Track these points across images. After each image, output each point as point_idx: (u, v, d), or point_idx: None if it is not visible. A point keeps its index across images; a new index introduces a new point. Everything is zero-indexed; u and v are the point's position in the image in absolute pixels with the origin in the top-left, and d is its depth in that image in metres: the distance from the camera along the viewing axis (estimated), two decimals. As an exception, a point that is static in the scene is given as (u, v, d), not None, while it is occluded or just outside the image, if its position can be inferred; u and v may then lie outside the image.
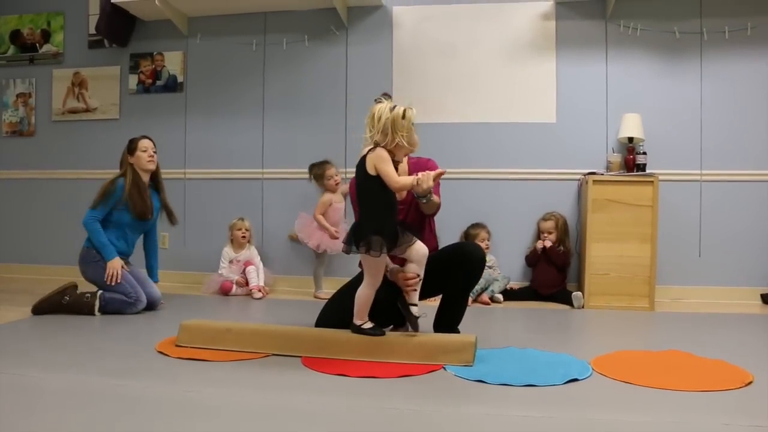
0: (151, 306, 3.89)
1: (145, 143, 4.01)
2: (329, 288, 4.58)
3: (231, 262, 4.76)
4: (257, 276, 4.68)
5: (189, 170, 5.29)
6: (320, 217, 4.61)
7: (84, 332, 3.27)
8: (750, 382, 2.28)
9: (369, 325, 2.65)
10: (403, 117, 2.50)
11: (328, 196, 4.65)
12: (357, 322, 2.65)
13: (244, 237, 4.82)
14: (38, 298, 3.74)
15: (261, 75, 5.17)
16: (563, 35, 4.75)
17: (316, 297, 4.57)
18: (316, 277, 4.71)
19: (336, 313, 2.91)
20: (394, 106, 2.51)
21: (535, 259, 4.60)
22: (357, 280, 3.06)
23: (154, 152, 4.05)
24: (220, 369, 2.51)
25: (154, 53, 5.35)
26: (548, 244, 4.53)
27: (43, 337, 3.13)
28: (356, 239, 2.55)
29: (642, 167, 4.37)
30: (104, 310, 3.70)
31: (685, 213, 4.57)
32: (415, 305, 2.63)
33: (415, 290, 2.64)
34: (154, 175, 4.11)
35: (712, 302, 4.41)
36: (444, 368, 2.48)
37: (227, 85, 5.23)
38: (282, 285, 5.01)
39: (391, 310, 2.88)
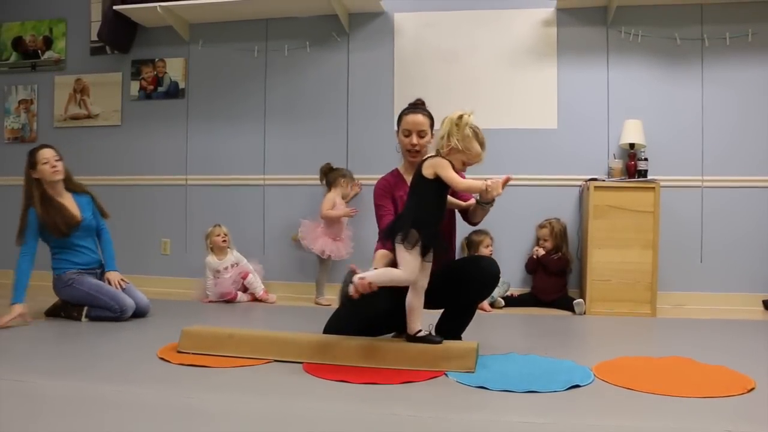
0: (140, 313, 3.80)
1: (44, 154, 3.69)
2: (331, 295, 4.58)
3: (218, 271, 4.63)
4: (257, 282, 4.66)
5: (190, 176, 5.30)
6: (330, 211, 4.55)
7: (85, 338, 3.27)
8: (752, 389, 2.27)
9: (423, 332, 2.64)
10: (459, 120, 2.51)
11: (332, 195, 4.63)
12: (410, 330, 2.65)
13: (224, 242, 4.69)
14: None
15: (263, 81, 5.19)
16: (564, 41, 4.76)
17: (317, 303, 4.57)
18: (319, 283, 4.69)
19: (342, 321, 2.92)
20: (464, 114, 2.54)
21: (533, 266, 4.60)
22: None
23: (57, 160, 3.74)
24: (221, 375, 2.51)
25: (156, 59, 5.37)
26: (541, 252, 4.53)
27: (44, 344, 3.13)
28: (395, 231, 2.56)
29: (643, 173, 4.37)
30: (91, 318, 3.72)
31: (687, 219, 4.57)
32: (420, 330, 2.65)
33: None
34: (68, 181, 3.84)
35: (713, 308, 4.40)
36: (446, 375, 2.47)
37: (229, 91, 5.25)
38: (284, 291, 5.00)
39: (392, 318, 2.89)
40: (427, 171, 2.55)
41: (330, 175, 4.71)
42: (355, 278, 2.58)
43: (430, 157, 2.59)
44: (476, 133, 2.53)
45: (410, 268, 2.55)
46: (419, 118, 2.91)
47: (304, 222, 4.73)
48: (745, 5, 4.53)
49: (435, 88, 4.82)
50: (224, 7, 4.98)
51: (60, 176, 3.75)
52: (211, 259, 4.67)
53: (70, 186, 3.86)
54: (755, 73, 4.52)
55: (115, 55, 5.45)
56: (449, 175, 2.52)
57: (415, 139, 2.91)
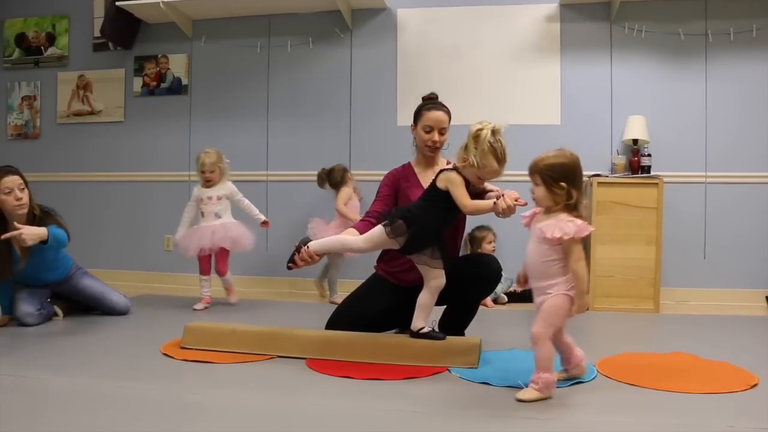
0: (118, 312, 3.77)
1: (7, 182, 3.23)
2: (343, 291, 4.56)
3: (201, 200, 4.17)
4: (231, 282, 4.27)
5: (193, 172, 5.26)
6: (344, 208, 4.42)
7: (88, 334, 3.28)
8: (755, 385, 2.28)
9: (426, 329, 2.64)
10: (477, 136, 2.45)
11: (348, 190, 4.52)
12: (414, 327, 2.65)
13: (209, 180, 4.17)
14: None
15: (265, 77, 5.18)
16: (568, 37, 4.74)
17: (332, 302, 4.36)
18: (331, 282, 4.57)
19: (345, 317, 2.92)
20: (482, 129, 2.47)
21: None
22: (368, 285, 3.08)
23: (22, 189, 3.28)
24: (224, 371, 2.52)
25: (159, 56, 5.37)
26: None
27: (48, 340, 3.14)
28: (388, 215, 2.59)
29: (647, 169, 4.36)
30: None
31: (690, 215, 4.56)
32: (423, 327, 2.64)
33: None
34: (30, 214, 3.33)
35: (716, 304, 4.40)
36: (449, 370, 2.48)
37: (232, 87, 5.24)
38: (287, 287, 5.01)
39: (394, 315, 2.89)
40: (441, 184, 2.55)
41: (333, 176, 4.58)
42: (304, 247, 2.66)
43: (448, 170, 2.56)
44: (494, 149, 2.45)
45: (373, 240, 2.60)
46: (441, 115, 2.92)
47: (313, 221, 4.55)
48: (749, 0, 4.51)
49: (438, 84, 4.78)
50: (227, 3, 4.98)
51: (24, 210, 3.29)
52: (198, 189, 4.25)
53: (32, 219, 3.34)
54: (759, 69, 4.50)
55: (117, 52, 5.45)
56: (458, 194, 2.50)
57: (436, 136, 2.91)
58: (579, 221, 2.11)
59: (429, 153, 2.96)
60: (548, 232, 2.13)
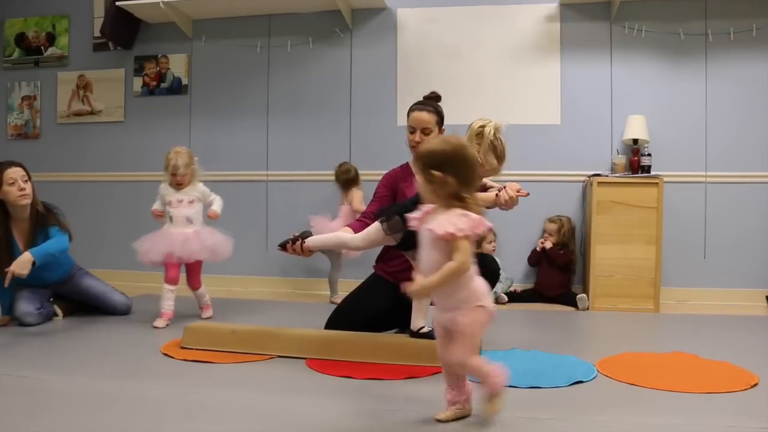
0: (120, 312, 3.77)
1: (11, 173, 3.27)
2: (345, 292, 4.54)
3: (169, 203, 3.62)
4: (205, 296, 3.80)
5: (193, 172, 5.29)
6: (363, 207, 4.29)
7: (89, 335, 3.28)
8: (755, 384, 2.28)
9: (426, 329, 2.64)
10: (480, 133, 2.46)
11: (361, 192, 4.53)
12: (413, 326, 2.66)
13: (180, 184, 3.63)
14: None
15: (265, 77, 5.18)
16: (568, 37, 4.74)
17: (332, 302, 4.31)
18: (332, 281, 4.56)
19: (344, 318, 2.92)
20: (485, 126, 2.48)
21: (536, 259, 4.58)
22: (367, 285, 3.08)
23: (26, 181, 3.33)
24: (224, 371, 2.52)
25: (159, 56, 5.37)
26: (548, 245, 4.50)
27: (48, 340, 3.14)
28: (383, 212, 2.59)
29: (647, 169, 4.36)
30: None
31: (690, 215, 4.55)
32: (423, 326, 2.65)
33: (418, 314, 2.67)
34: (33, 208, 3.38)
35: (716, 304, 4.39)
36: (449, 370, 2.47)
37: (232, 87, 5.24)
38: (287, 287, 5.01)
39: (394, 315, 2.89)
40: None
41: (351, 175, 4.58)
42: (300, 241, 2.67)
43: None
44: (495, 147, 2.46)
45: (370, 238, 2.60)
46: (424, 115, 2.92)
47: (314, 218, 4.50)
48: (749, 0, 4.51)
49: (438, 83, 4.77)
50: (227, 3, 4.97)
51: (27, 201, 3.33)
52: (165, 188, 3.70)
53: (35, 214, 3.39)
54: (759, 68, 4.50)
55: (118, 52, 5.44)
56: None
57: (418, 137, 2.92)
58: (475, 216, 1.84)
59: (414, 153, 2.98)
60: (438, 228, 1.81)
